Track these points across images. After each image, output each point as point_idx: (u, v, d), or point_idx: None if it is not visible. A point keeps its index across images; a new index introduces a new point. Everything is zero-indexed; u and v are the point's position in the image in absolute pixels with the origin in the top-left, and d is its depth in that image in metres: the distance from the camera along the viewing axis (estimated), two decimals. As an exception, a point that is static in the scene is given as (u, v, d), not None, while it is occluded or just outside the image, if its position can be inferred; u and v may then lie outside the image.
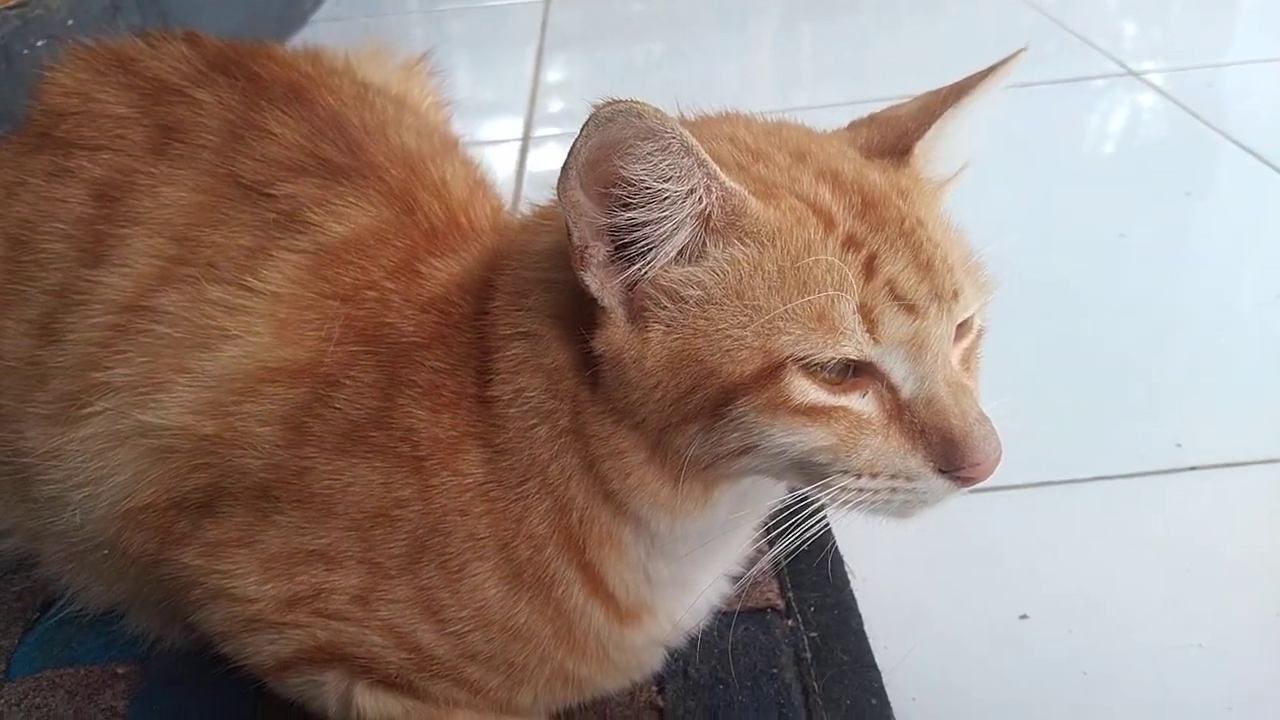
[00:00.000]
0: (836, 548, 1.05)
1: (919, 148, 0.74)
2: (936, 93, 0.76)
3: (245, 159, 0.87)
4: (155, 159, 0.88)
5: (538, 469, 0.75)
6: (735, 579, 0.92)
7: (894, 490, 0.66)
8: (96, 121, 0.92)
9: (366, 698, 0.80)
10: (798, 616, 0.99)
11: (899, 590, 1.03)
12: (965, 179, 0.79)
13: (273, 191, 0.85)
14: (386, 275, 0.82)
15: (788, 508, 0.71)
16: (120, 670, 1.00)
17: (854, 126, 0.80)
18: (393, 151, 0.90)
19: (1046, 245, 1.59)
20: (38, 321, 0.87)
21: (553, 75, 2.64)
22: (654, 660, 0.88)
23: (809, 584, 1.03)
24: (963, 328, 0.70)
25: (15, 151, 0.98)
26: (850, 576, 1.04)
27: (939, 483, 0.66)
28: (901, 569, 1.05)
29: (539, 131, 2.26)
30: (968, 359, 0.72)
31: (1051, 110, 2.13)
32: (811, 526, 0.69)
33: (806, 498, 0.71)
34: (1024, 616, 1.00)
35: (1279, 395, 1.29)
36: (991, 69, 0.74)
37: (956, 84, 0.75)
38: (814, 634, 0.97)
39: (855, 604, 1.01)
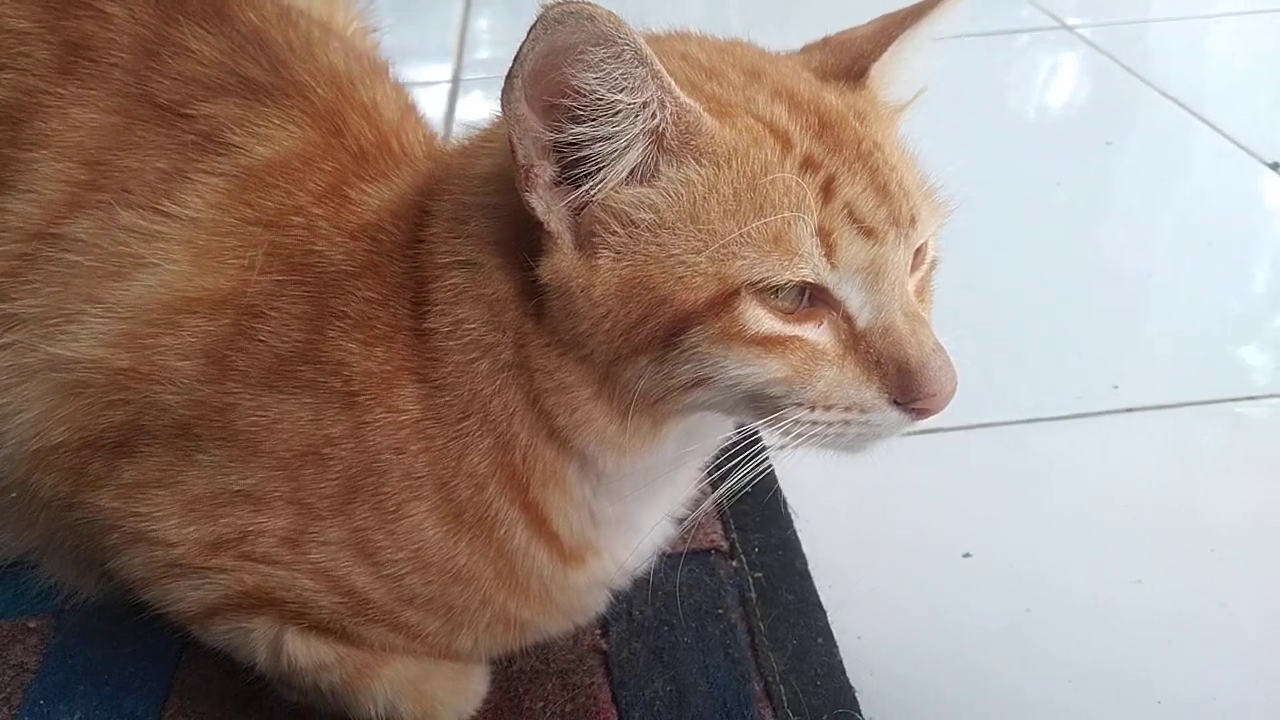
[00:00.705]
0: (779, 489, 1.04)
1: (875, 70, 0.71)
2: (893, 15, 0.74)
3: (160, 78, 0.80)
4: (62, 78, 0.81)
5: (479, 405, 0.72)
6: (679, 520, 0.90)
7: (847, 423, 0.64)
8: (-1, 39, 0.85)
9: (298, 644, 0.77)
10: (742, 558, 0.98)
11: (841, 531, 1.03)
12: (905, 122, 0.77)
13: (190, 112, 0.79)
14: (314, 200, 0.77)
15: (733, 446, 0.70)
16: (31, 625, 0.95)
17: (808, 49, 0.77)
18: (319, 71, 0.84)
19: (984, 194, 1.59)
20: (-64, 251, 0.81)
21: (482, 22, 2.56)
22: (598, 602, 0.85)
23: (752, 525, 1.01)
24: (917, 257, 0.68)
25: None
26: (793, 517, 1.03)
27: (893, 415, 0.64)
28: (843, 510, 1.05)
29: (468, 75, 2.20)
30: (922, 289, 0.70)
31: (986, 62, 2.14)
32: (757, 466, 0.67)
33: (751, 436, 0.69)
34: (967, 555, 1.00)
35: (1208, 339, 1.31)
36: None
37: (914, 6, 0.72)
38: (759, 574, 0.96)
39: (799, 545, 1.00)
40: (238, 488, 0.74)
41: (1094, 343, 1.30)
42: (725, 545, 0.99)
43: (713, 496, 0.76)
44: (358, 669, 0.78)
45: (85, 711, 0.86)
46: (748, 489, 0.69)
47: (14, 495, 0.79)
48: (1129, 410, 1.18)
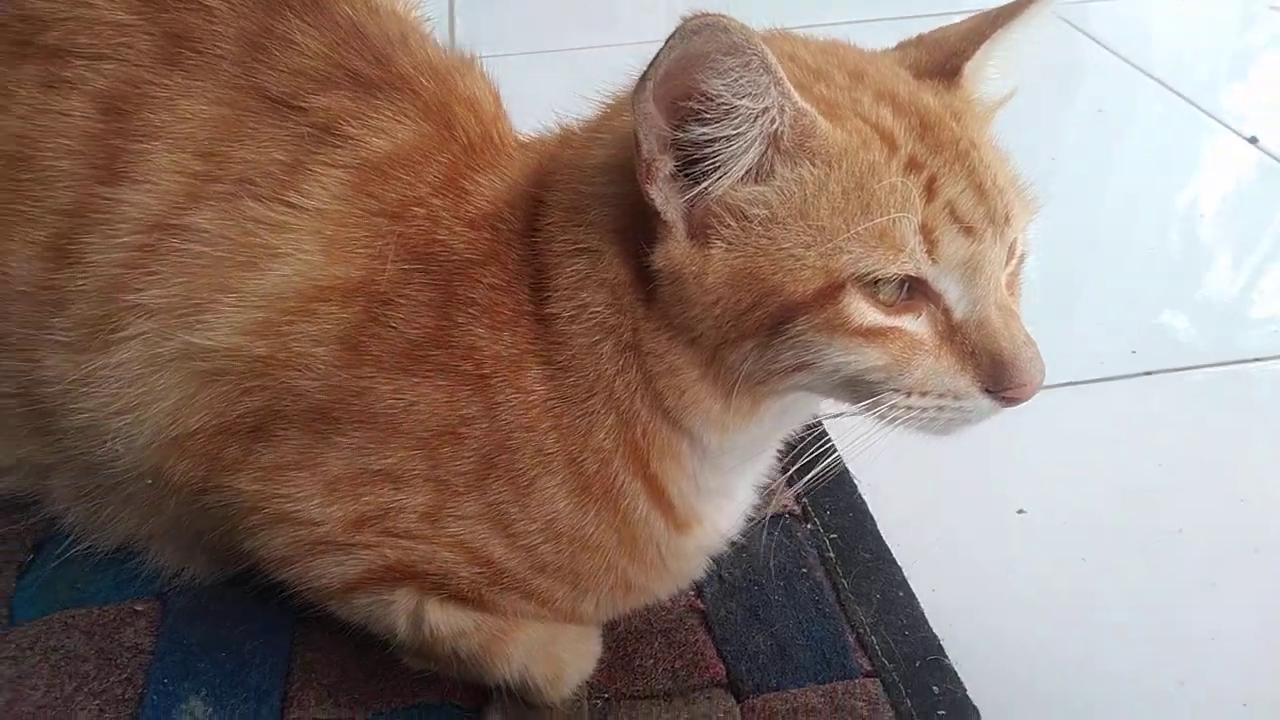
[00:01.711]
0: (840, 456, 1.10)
1: (968, 69, 0.75)
2: (986, 14, 0.78)
3: (269, 70, 0.82)
4: (167, 70, 0.83)
5: (603, 384, 0.76)
6: (760, 488, 0.96)
7: (941, 408, 0.68)
8: (94, 29, 0.85)
9: (438, 614, 0.80)
10: (815, 521, 1.04)
11: (902, 494, 1.09)
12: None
13: (303, 104, 0.81)
14: (433, 192, 0.80)
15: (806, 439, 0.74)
16: (139, 608, 0.97)
17: (902, 47, 0.81)
18: (419, 64, 0.86)
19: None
20: (48, 244, 0.81)
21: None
22: (701, 567, 0.90)
23: (820, 491, 1.07)
24: (1009, 252, 0.71)
25: (-9, 62, 0.90)
26: (856, 482, 1.09)
27: (985, 402, 0.67)
28: (901, 474, 1.11)
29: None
30: (1012, 283, 0.74)
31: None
32: (831, 456, 0.73)
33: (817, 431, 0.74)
34: (1021, 511, 1.08)
35: (1216, 305, 1.40)
36: None
37: (1007, 5, 0.76)
38: (834, 536, 1.02)
39: (867, 507, 1.06)
40: (378, 467, 0.78)
41: (1107, 311, 1.38)
42: (798, 510, 1.05)
43: (797, 484, 0.81)
44: (493, 634, 0.82)
45: (210, 688, 0.89)
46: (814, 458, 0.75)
47: (149, 482, 0.81)
48: (1147, 374, 1.27)
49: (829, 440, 0.73)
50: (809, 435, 0.75)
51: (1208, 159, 1.81)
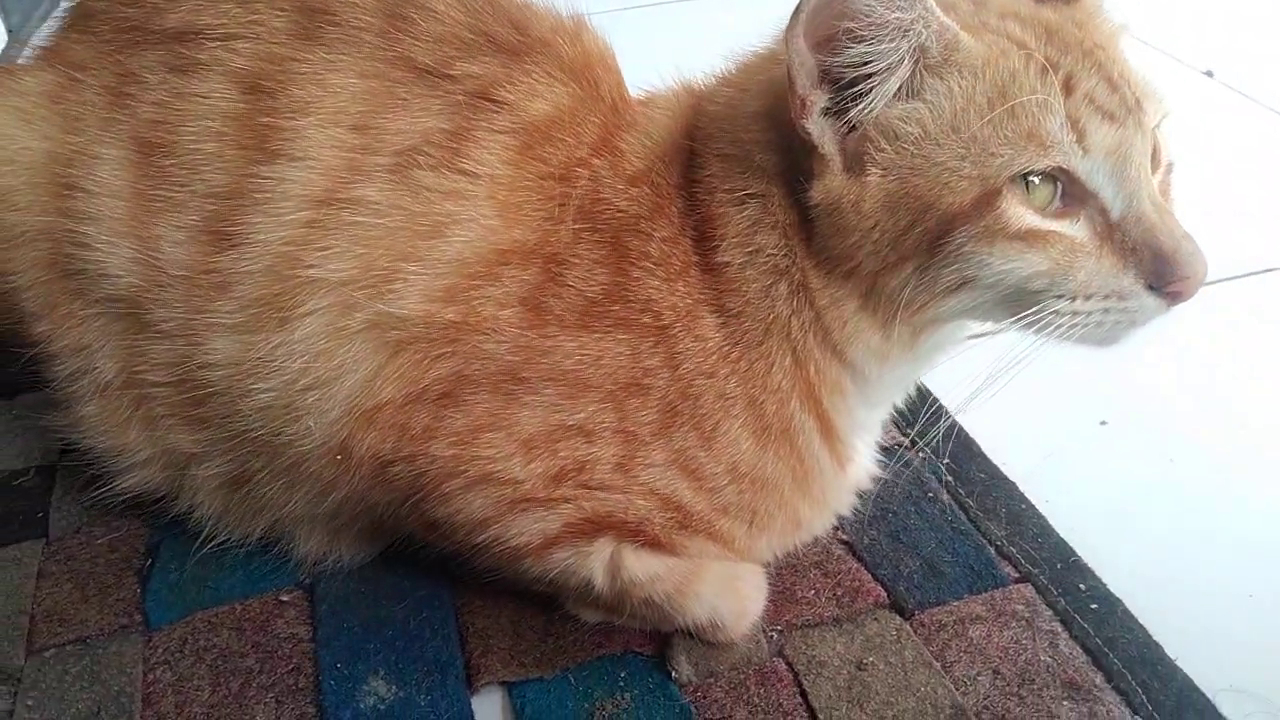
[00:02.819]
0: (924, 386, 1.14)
1: None
2: None
3: (413, 40, 0.82)
4: (307, 44, 0.81)
5: (779, 326, 0.78)
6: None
7: (1106, 311, 0.70)
8: (219, 7, 0.83)
9: (633, 560, 0.82)
10: (925, 450, 1.09)
11: (991, 416, 1.14)
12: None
13: (452, 72, 0.82)
14: (592, 152, 0.82)
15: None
16: (284, 598, 0.95)
17: None
18: (554, 26, 0.87)
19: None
20: (203, 227, 0.80)
21: None
22: (850, 504, 0.94)
23: (917, 420, 1.12)
24: (1155, 160, 0.74)
25: (99, 50, 0.87)
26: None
27: (1150, 300, 0.69)
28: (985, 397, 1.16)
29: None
30: (1165, 191, 0.77)
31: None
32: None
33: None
34: (1103, 423, 1.15)
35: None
36: None
37: None
38: (946, 460, 1.08)
39: (965, 430, 1.11)
40: (571, 422, 0.79)
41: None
42: (905, 440, 1.10)
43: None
44: (685, 576, 0.84)
45: (387, 666, 0.88)
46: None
47: (338, 457, 0.81)
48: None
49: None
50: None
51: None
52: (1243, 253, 1.43)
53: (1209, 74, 1.92)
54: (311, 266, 0.77)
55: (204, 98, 0.81)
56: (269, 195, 0.78)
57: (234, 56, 0.82)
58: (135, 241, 0.81)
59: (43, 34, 2.15)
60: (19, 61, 2.03)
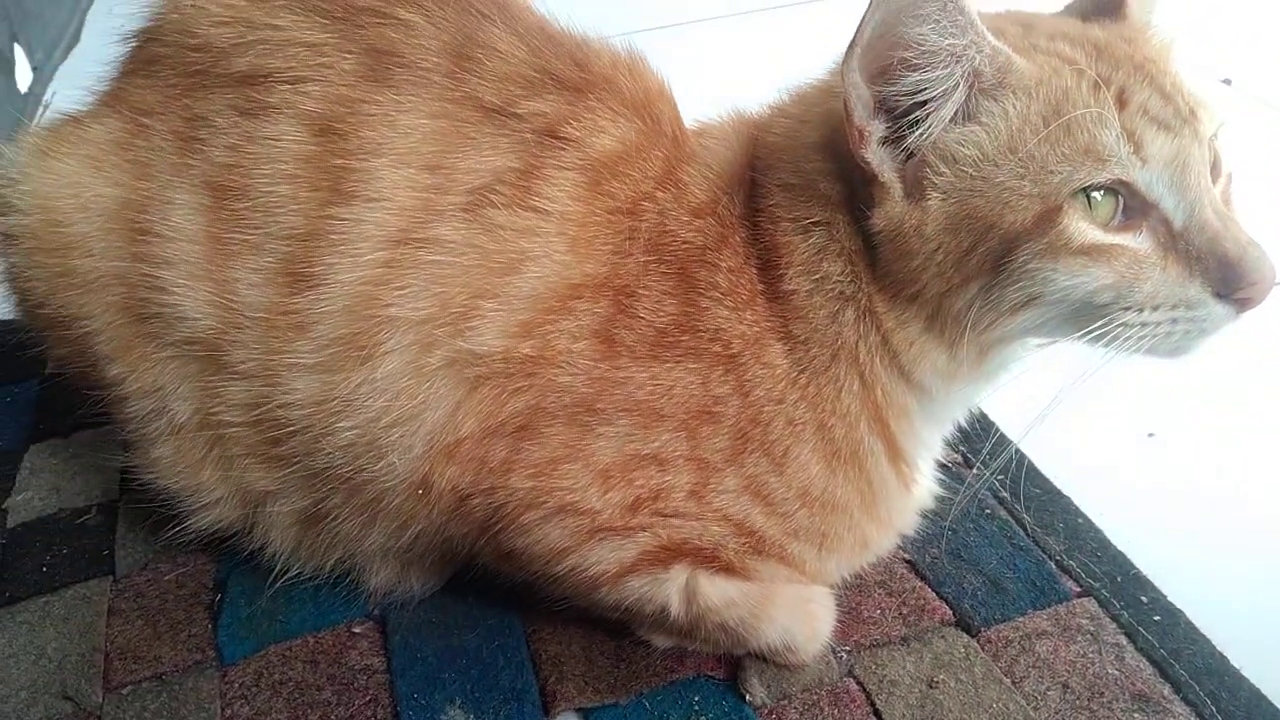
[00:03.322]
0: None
1: (1132, 2, 0.79)
2: None
3: (479, 80, 0.83)
4: (376, 87, 0.83)
5: (846, 350, 0.80)
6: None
7: (1175, 321, 0.70)
8: (287, 51, 0.85)
9: (709, 586, 0.83)
10: (979, 466, 1.10)
11: (1040, 431, 1.16)
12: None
13: (518, 110, 0.83)
14: (657, 186, 0.83)
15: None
16: (356, 630, 0.96)
17: (1068, 7, 0.87)
18: (614, 62, 0.89)
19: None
20: (279, 269, 0.81)
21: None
22: (914, 524, 0.95)
23: (966, 436, 1.13)
24: (1214, 171, 0.75)
25: (166, 95, 0.89)
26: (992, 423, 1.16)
27: (1219, 308, 0.69)
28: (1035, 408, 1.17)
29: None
30: (1226, 200, 0.77)
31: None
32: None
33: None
34: (1151, 435, 1.16)
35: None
36: None
37: None
38: (1001, 477, 1.09)
39: (1014, 444, 1.12)
40: (645, 451, 0.80)
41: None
42: (959, 456, 1.11)
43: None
44: (758, 600, 0.86)
45: (464, 695, 0.89)
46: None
47: (420, 491, 0.82)
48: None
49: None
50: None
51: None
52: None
53: (1227, 82, 1.94)
54: (390, 305, 0.79)
55: (276, 140, 0.83)
56: (346, 236, 0.80)
57: (304, 99, 0.83)
58: (212, 284, 0.83)
59: (66, 69, 2.19)
60: (45, 96, 2.06)
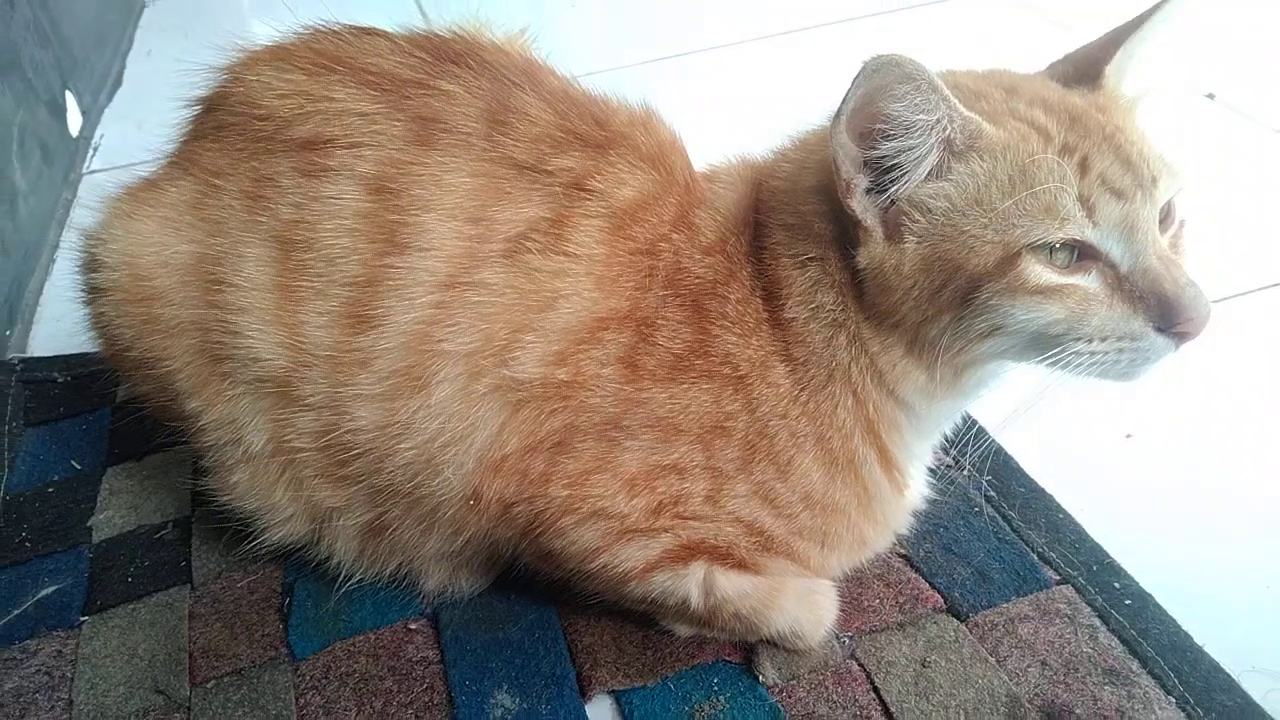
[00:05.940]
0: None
1: (1109, 71, 0.90)
2: (1124, 24, 0.91)
3: (513, 141, 0.95)
4: (423, 150, 0.95)
5: (840, 371, 0.91)
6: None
7: (1120, 350, 0.79)
8: (343, 119, 0.96)
9: (724, 580, 0.95)
10: (968, 467, 1.21)
11: (1025, 434, 1.27)
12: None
13: (548, 167, 0.95)
14: (672, 229, 0.95)
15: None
16: (412, 626, 1.08)
17: (1051, 67, 0.96)
18: (630, 119, 1.00)
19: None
20: (343, 312, 0.92)
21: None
22: (908, 523, 1.06)
23: (958, 440, 1.24)
24: (1166, 219, 0.85)
25: (234, 158, 1.01)
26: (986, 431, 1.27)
27: (1159, 340, 0.78)
28: (1020, 420, 1.28)
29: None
30: (1175, 244, 0.87)
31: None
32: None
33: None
34: (1129, 436, 1.27)
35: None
36: None
37: (1140, 14, 0.90)
38: (988, 478, 1.20)
39: (1004, 449, 1.23)
40: (666, 462, 0.92)
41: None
42: (949, 460, 1.22)
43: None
44: (769, 592, 0.97)
45: (510, 681, 1.01)
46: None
47: (471, 502, 0.94)
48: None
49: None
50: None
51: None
52: (1245, 270, 1.55)
53: (1210, 96, 2.03)
54: (442, 341, 0.90)
55: (336, 198, 0.94)
56: (401, 282, 0.91)
57: (360, 162, 0.95)
58: (282, 328, 0.94)
59: (111, 111, 2.30)
60: (94, 139, 2.19)
